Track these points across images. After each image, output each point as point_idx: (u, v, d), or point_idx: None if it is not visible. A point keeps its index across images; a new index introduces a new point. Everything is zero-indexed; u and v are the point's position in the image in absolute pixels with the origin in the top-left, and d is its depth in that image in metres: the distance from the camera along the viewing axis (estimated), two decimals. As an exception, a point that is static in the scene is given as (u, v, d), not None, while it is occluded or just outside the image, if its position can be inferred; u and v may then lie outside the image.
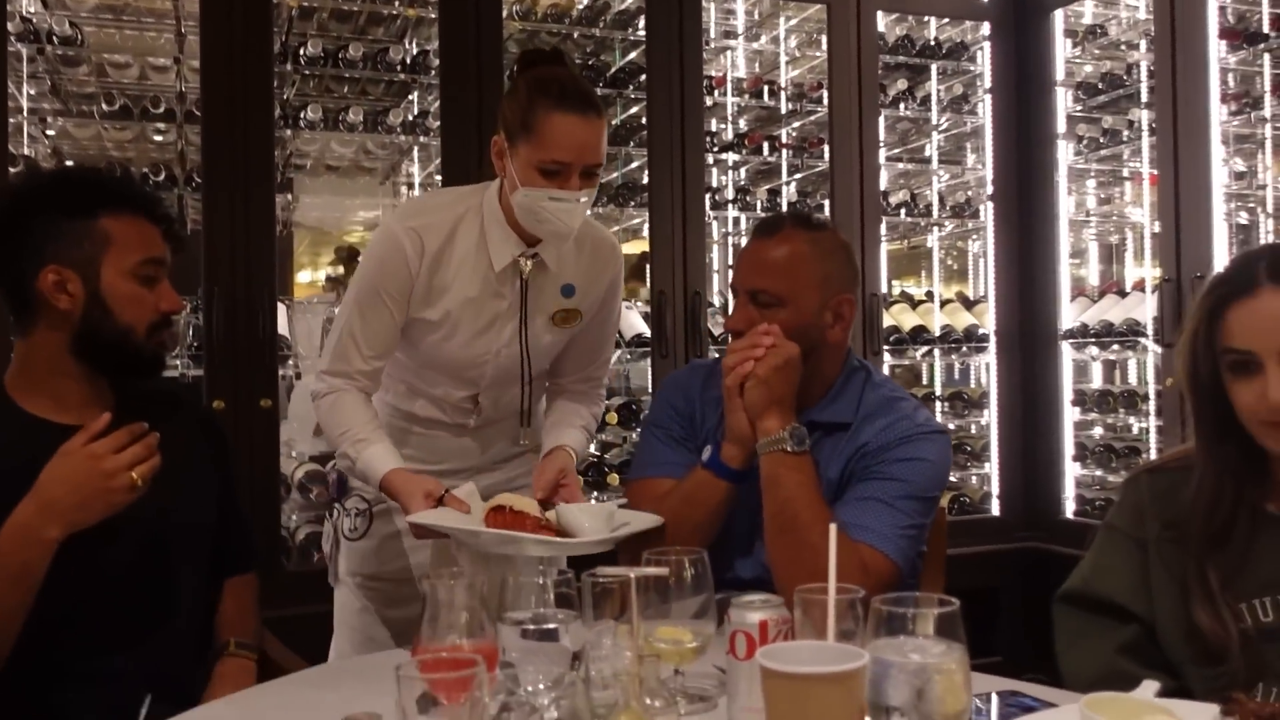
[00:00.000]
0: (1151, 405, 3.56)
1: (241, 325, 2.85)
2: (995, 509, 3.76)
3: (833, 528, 1.28)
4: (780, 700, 1.07)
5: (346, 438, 1.94)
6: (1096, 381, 3.96)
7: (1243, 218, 3.59)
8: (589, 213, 2.00)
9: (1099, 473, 3.72)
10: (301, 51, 3.25)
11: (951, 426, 3.88)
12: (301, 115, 3.27)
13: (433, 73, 3.29)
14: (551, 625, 1.27)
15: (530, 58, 1.99)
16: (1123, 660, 1.51)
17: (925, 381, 4.13)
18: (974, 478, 3.83)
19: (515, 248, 1.98)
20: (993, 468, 3.81)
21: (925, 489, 1.83)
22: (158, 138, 3.44)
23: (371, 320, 1.98)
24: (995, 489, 3.80)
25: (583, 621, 1.33)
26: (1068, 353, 3.79)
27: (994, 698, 1.39)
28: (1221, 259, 3.22)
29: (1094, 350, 3.75)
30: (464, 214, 1.99)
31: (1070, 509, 3.76)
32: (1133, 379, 3.89)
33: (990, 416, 3.84)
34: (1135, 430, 3.71)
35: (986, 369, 3.88)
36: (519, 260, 1.99)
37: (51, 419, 1.70)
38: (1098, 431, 3.81)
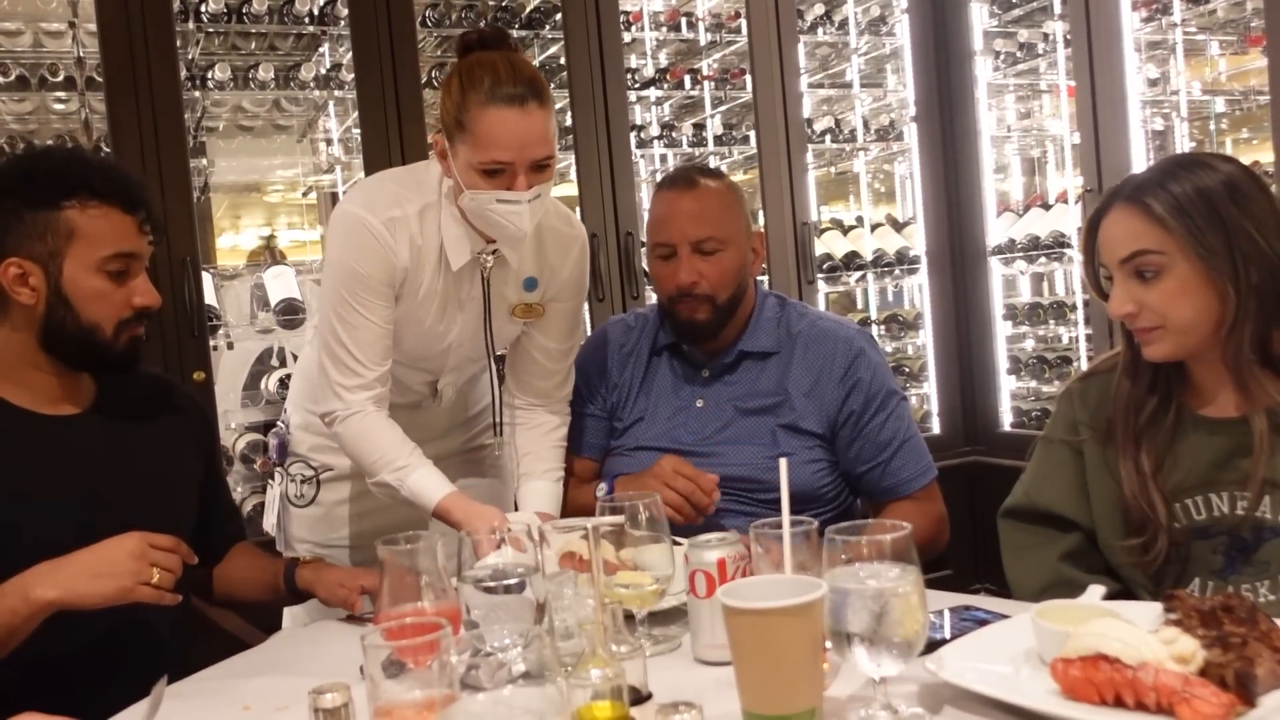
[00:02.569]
0: (1079, 315, 3.63)
1: (166, 296, 2.77)
2: (936, 427, 3.83)
3: (783, 462, 1.29)
4: (744, 635, 1.09)
5: (383, 465, 1.85)
6: (1025, 295, 4.03)
7: (1158, 124, 3.65)
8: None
9: (1033, 384, 3.80)
10: (203, 8, 3.14)
11: (889, 349, 3.93)
12: (209, 75, 3.17)
13: (342, 23, 3.20)
14: (514, 579, 1.27)
15: (467, 41, 1.85)
16: (1066, 567, 1.57)
17: (860, 306, 4.17)
18: (913, 398, 3.89)
19: (473, 245, 1.90)
20: (931, 387, 3.88)
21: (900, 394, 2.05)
22: (59, 107, 3.30)
23: (360, 324, 1.85)
24: (935, 407, 3.86)
25: (543, 573, 1.34)
26: (996, 269, 3.84)
27: (947, 614, 1.42)
28: (1140, 165, 3.28)
29: (1022, 264, 3.80)
30: (424, 208, 1.88)
31: (1008, 421, 3.84)
32: (1060, 290, 3.95)
33: (926, 337, 3.89)
34: (1065, 340, 3.78)
35: (919, 290, 3.93)
36: (479, 257, 1.92)
37: (32, 409, 1.66)
38: (1029, 344, 3.89)
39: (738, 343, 2.04)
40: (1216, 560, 1.49)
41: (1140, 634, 1.10)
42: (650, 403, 2.08)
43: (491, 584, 1.29)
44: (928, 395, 3.89)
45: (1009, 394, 3.84)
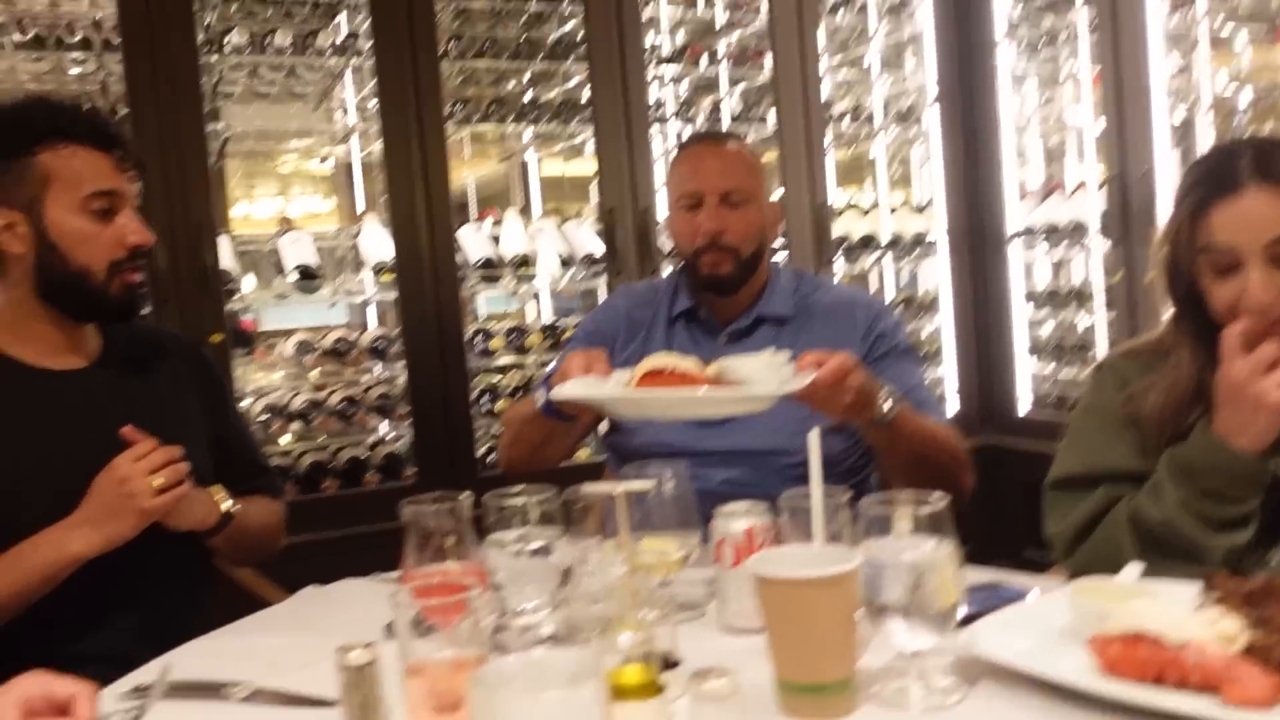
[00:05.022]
0: (1099, 301, 3.60)
1: (184, 260, 2.76)
2: (952, 410, 3.81)
3: (814, 432, 1.27)
4: (777, 606, 1.07)
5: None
6: (1043, 282, 3.99)
7: (1181, 114, 3.61)
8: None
9: (1052, 367, 3.78)
10: (220, -28, 3.11)
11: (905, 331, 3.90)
12: (226, 40, 3.14)
13: (360, -7, 3.18)
14: (541, 543, 1.26)
15: None
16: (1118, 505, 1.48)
17: (877, 288, 4.14)
18: (932, 379, 3.86)
19: None
20: (948, 370, 3.85)
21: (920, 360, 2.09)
22: (76, 69, 3.27)
23: None
24: (951, 389, 3.84)
25: (568, 538, 1.33)
26: (1016, 253, 3.81)
27: (975, 591, 1.40)
28: (1163, 155, 3.25)
29: (1044, 247, 3.77)
30: None
31: (1026, 405, 3.82)
32: (1078, 277, 3.91)
33: (943, 320, 3.87)
34: (1082, 328, 3.75)
35: (937, 273, 3.90)
36: None
37: (37, 364, 1.66)
38: (1046, 330, 3.86)
39: (755, 307, 2.05)
40: None
41: (1182, 613, 1.08)
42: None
43: (520, 547, 1.27)
44: (944, 378, 3.86)
45: (1028, 377, 3.82)
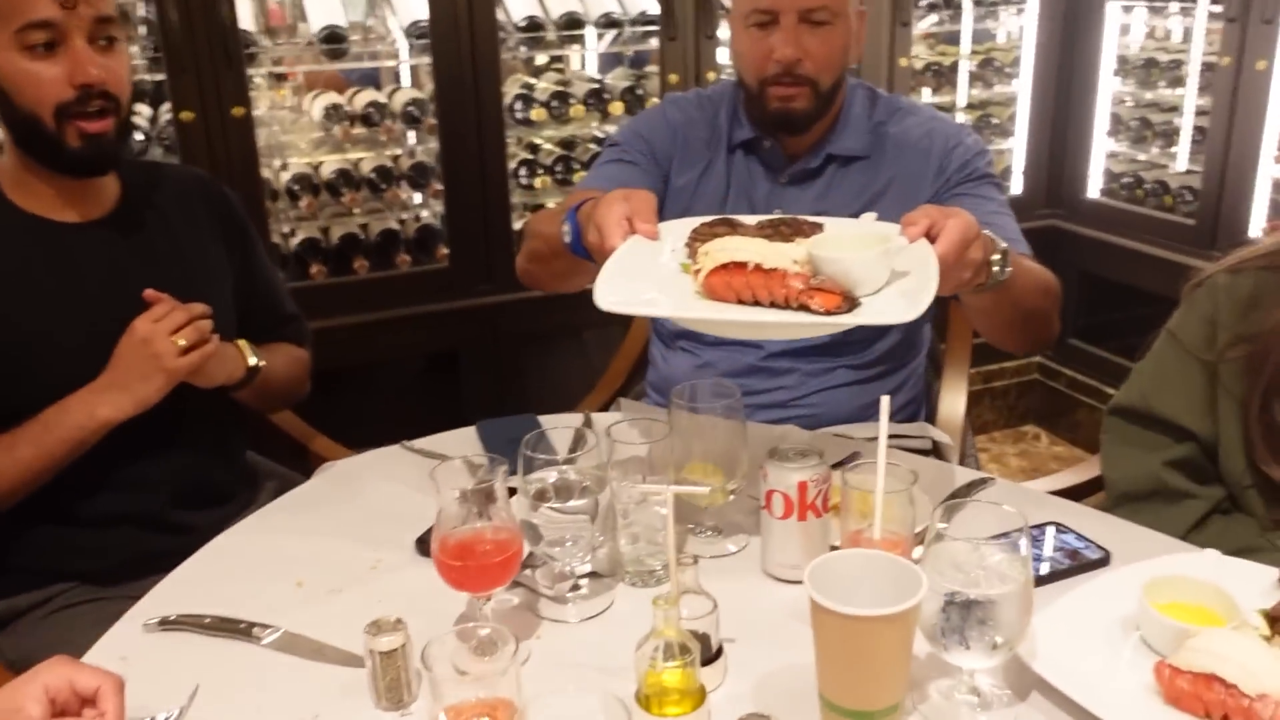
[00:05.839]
0: (1194, 80, 3.28)
1: (199, 19, 2.52)
2: (1017, 186, 3.59)
3: (884, 401, 1.16)
4: (831, 634, 1.00)
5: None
6: (1135, 48, 3.62)
7: None
8: None
9: (1130, 149, 3.51)
10: None
11: (979, 97, 3.59)
12: None
13: None
14: (581, 500, 1.19)
15: None
16: (1169, 473, 1.45)
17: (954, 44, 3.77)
18: (996, 151, 3.60)
19: None
20: (1018, 141, 3.59)
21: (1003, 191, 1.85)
22: None
23: None
24: (1019, 164, 3.60)
25: (609, 477, 1.25)
26: (1113, 15, 3.43)
27: (1036, 538, 1.33)
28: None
29: (1142, 13, 3.39)
30: None
31: (1097, 188, 3.57)
32: (1176, 50, 3.53)
33: (1021, 85, 3.55)
34: (1172, 102, 3.44)
35: (1021, 32, 3.54)
36: None
37: (50, 217, 1.56)
38: (1130, 103, 3.55)
39: (825, 143, 1.82)
40: None
41: (1262, 658, 1.00)
42: (715, 211, 1.83)
43: (556, 505, 1.20)
44: (1013, 150, 3.60)
45: (1103, 155, 3.55)
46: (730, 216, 1.46)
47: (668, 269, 1.35)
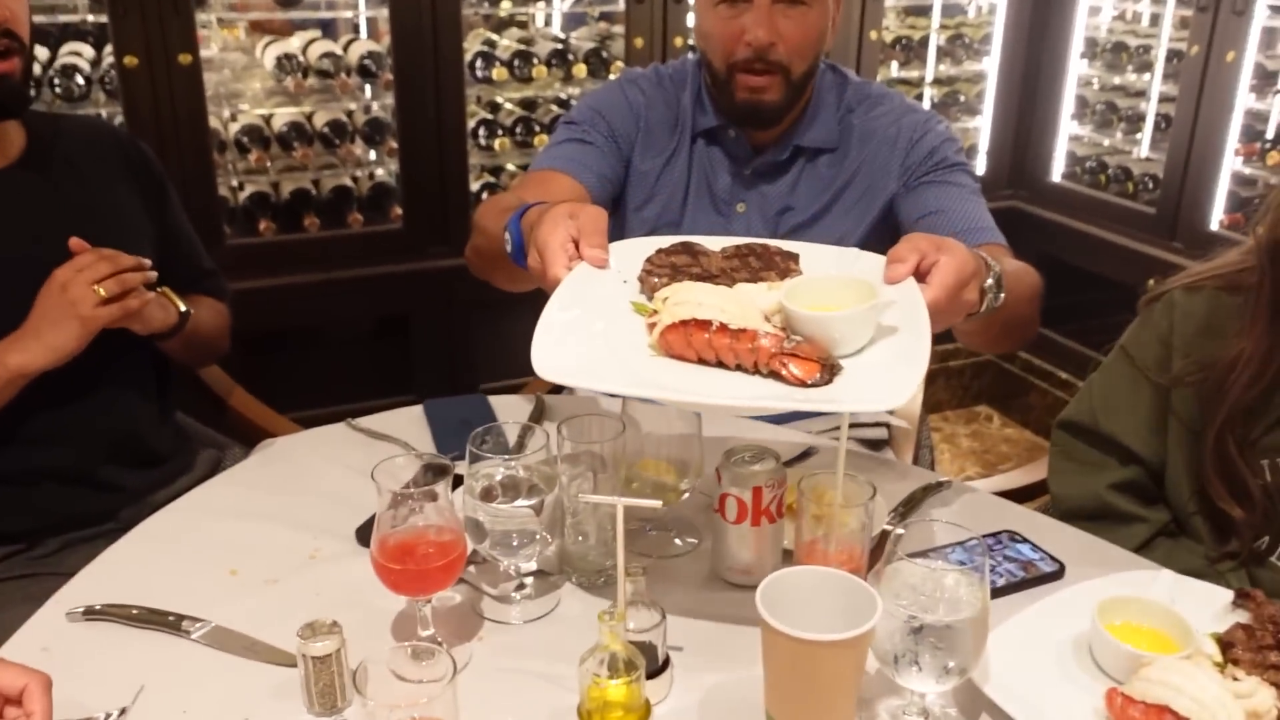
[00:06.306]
0: (1159, 66, 3.26)
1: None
2: (981, 166, 3.56)
3: (843, 423, 1.12)
4: (781, 656, 0.97)
5: None
6: (1104, 30, 3.59)
7: None
8: None
9: (1095, 133, 3.49)
10: None
11: (947, 73, 3.55)
12: None
13: None
14: (529, 502, 1.15)
15: None
16: (1114, 496, 1.43)
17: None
18: (965, 130, 3.57)
19: None
20: (985, 120, 3.56)
21: (974, 178, 1.75)
22: None
23: None
24: (984, 144, 3.57)
25: (558, 474, 1.21)
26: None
27: (989, 546, 1.31)
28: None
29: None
30: None
31: (1059, 171, 3.56)
32: (1144, 34, 3.51)
33: (990, 64, 3.51)
34: (1142, 90, 3.42)
35: (992, 7, 3.50)
36: None
37: None
38: (1097, 87, 3.53)
39: (793, 135, 1.74)
40: None
41: (1215, 691, 0.99)
42: (678, 204, 1.78)
43: (503, 502, 1.16)
44: (979, 129, 3.57)
45: (1066, 138, 3.54)
46: (691, 241, 1.31)
47: (617, 308, 1.20)
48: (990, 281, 1.27)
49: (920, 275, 1.18)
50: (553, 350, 1.07)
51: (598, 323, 1.16)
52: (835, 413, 1.29)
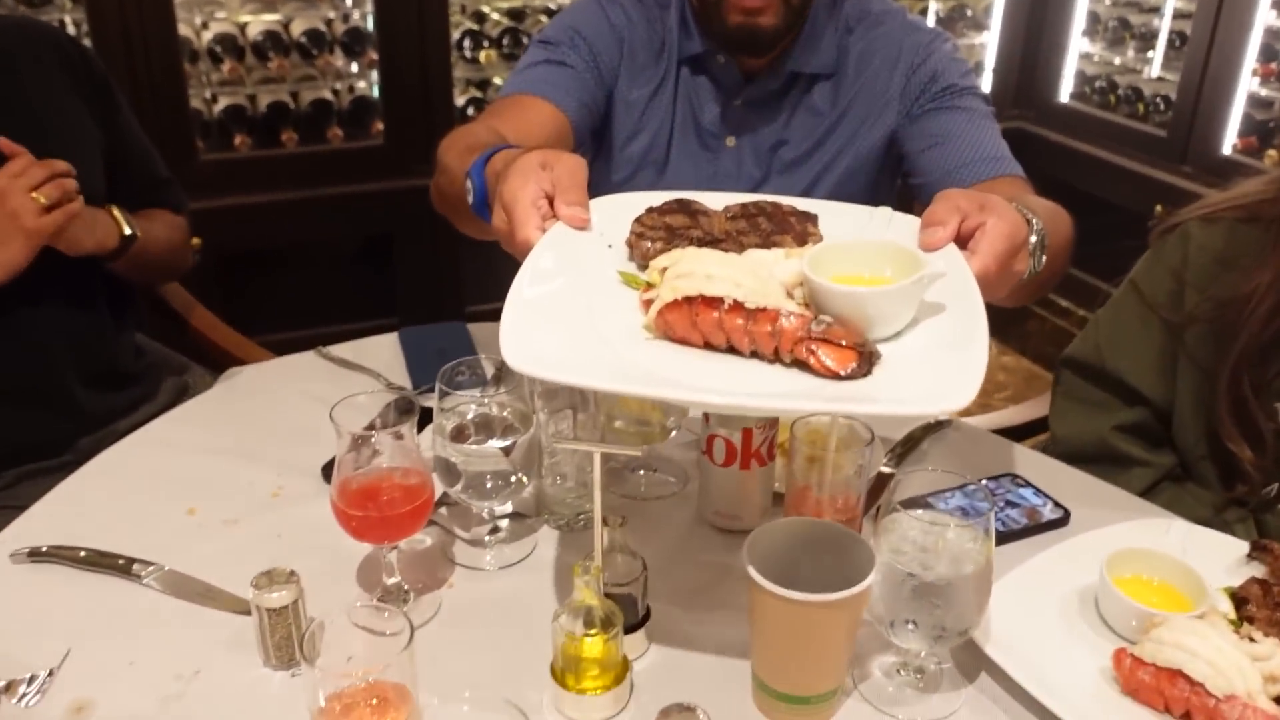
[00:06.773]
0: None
1: None
2: (987, 84, 3.43)
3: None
4: (772, 617, 0.91)
5: None
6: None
7: None
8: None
9: (1106, 51, 3.36)
10: None
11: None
12: None
13: None
14: (504, 443, 1.07)
15: None
16: (1119, 438, 1.36)
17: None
18: (971, 46, 3.43)
19: None
20: (992, 36, 3.42)
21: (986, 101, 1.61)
22: None
23: None
24: (990, 61, 3.43)
25: (537, 413, 1.13)
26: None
27: (991, 489, 1.25)
28: None
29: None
30: None
31: (1067, 91, 3.43)
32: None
33: (999, -25, 3.37)
34: (1156, 6, 3.28)
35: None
36: None
37: None
38: (1109, 2, 3.38)
39: (787, 59, 1.57)
40: None
41: (1231, 654, 0.92)
42: (664, 140, 1.63)
43: (474, 447, 1.08)
44: (986, 45, 3.44)
45: (1076, 56, 3.40)
46: (687, 199, 1.11)
47: (603, 278, 1.01)
48: (1034, 239, 1.09)
49: (961, 241, 1.01)
50: (526, 336, 0.87)
51: (579, 298, 0.97)
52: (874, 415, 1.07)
